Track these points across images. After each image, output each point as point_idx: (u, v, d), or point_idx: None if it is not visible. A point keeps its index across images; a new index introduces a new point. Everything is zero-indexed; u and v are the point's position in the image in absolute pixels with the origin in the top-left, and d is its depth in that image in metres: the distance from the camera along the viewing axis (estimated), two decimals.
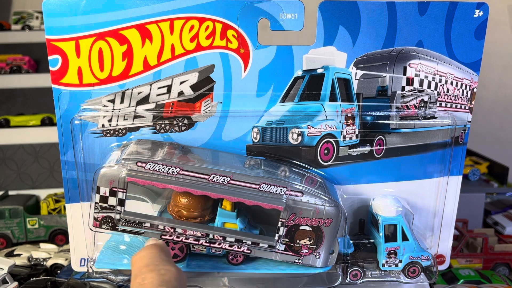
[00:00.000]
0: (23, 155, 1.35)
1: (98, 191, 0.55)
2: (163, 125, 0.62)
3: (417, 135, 0.63)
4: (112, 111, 0.62)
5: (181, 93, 0.61)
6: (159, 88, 0.61)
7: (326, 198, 0.56)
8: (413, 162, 0.64)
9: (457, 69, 0.62)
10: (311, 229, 0.56)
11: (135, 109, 0.62)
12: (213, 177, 0.55)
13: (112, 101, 0.61)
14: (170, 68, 0.60)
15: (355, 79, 0.61)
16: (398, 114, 0.62)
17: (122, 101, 0.62)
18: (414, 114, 0.62)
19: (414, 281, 0.63)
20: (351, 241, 0.62)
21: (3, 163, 1.31)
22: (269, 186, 0.55)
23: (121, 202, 0.56)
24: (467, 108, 0.64)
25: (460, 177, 0.65)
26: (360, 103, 0.62)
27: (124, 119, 0.62)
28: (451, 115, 0.63)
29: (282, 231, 0.57)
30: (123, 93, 0.61)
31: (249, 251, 0.58)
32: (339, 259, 0.60)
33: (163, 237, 0.57)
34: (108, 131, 0.62)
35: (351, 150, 0.63)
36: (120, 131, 0.62)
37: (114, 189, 0.55)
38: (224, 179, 0.55)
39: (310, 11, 0.62)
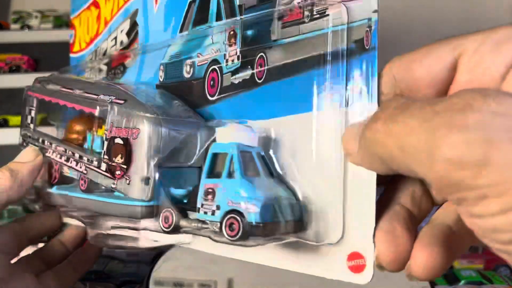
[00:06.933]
0: None
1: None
2: (111, 75, 0.67)
3: (305, 45, 0.43)
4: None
5: (121, 42, 0.66)
6: (111, 40, 0.68)
7: (151, 108, 0.45)
8: (304, 85, 0.43)
9: None
10: (122, 142, 0.46)
11: (99, 65, 0.70)
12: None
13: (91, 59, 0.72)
14: (116, 21, 0.67)
15: None
16: (280, 20, 0.45)
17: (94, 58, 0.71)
18: (298, 16, 0.44)
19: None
20: None
21: (2, 163, 1.44)
22: (105, 96, 0.50)
23: (32, 120, 0.62)
24: None
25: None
26: (242, 17, 0.49)
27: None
28: (345, 6, 0.40)
29: (104, 145, 0.48)
30: (95, 51, 0.71)
31: (85, 172, 0.51)
32: None
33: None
34: None
35: (233, 77, 0.49)
36: None
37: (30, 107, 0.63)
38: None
39: None
